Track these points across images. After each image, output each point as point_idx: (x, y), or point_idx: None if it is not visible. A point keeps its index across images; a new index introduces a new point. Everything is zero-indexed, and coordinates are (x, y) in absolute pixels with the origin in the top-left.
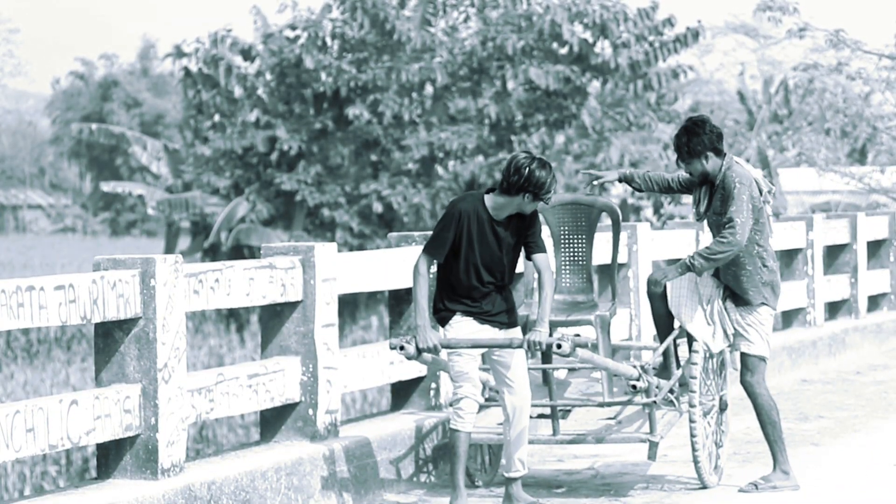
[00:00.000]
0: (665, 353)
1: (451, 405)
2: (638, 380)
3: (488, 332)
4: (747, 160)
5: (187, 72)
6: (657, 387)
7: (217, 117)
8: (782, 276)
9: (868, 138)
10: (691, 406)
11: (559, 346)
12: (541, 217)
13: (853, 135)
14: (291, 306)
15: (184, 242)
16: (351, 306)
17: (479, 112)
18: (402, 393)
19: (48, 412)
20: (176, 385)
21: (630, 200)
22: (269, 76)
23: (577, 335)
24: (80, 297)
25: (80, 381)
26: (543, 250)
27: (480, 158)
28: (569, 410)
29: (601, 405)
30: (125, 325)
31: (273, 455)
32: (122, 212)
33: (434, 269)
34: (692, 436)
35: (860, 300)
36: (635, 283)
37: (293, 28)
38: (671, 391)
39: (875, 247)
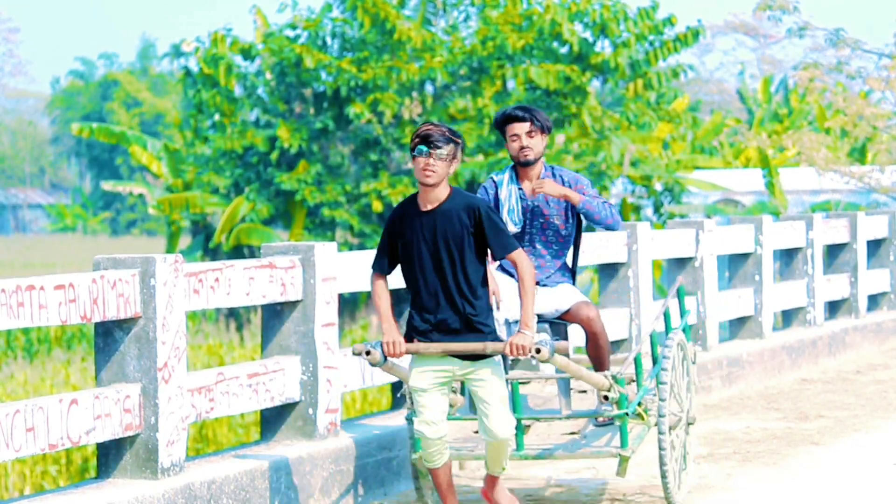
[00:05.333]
0: (634, 364)
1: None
2: (609, 390)
3: (447, 365)
4: (748, 160)
5: (187, 71)
6: (627, 398)
7: (217, 117)
8: (783, 275)
9: (868, 138)
10: (660, 416)
11: (538, 351)
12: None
13: (853, 134)
14: (291, 306)
15: (184, 242)
16: (351, 306)
17: (479, 112)
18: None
19: (48, 412)
20: (176, 384)
21: (630, 199)
22: (269, 76)
23: (557, 338)
24: (80, 296)
25: (80, 380)
26: (512, 248)
27: (480, 158)
28: (528, 425)
29: (569, 417)
30: (125, 325)
31: (273, 455)
32: (122, 211)
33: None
34: (660, 448)
35: (860, 299)
36: (635, 282)
37: (293, 27)
38: (639, 403)
39: (875, 246)
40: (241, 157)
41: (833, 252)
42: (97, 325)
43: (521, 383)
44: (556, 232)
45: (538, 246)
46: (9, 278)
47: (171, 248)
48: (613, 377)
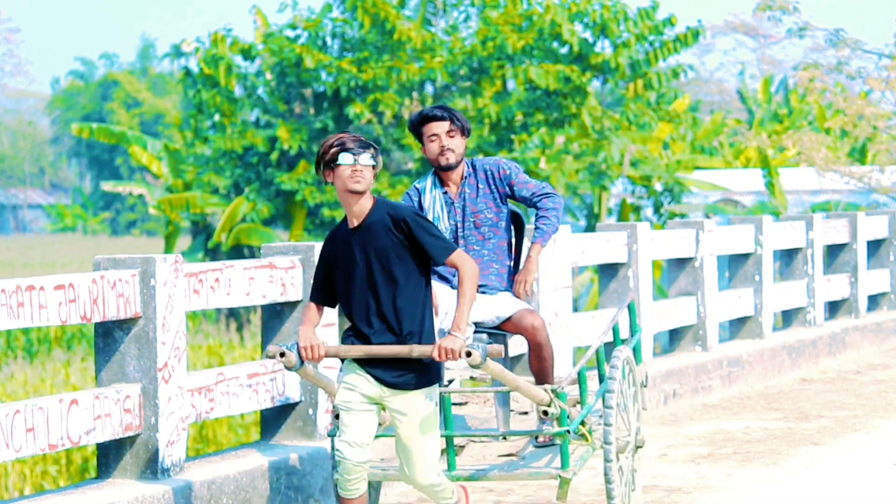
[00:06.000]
0: (578, 380)
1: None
2: (549, 405)
3: (375, 388)
4: (748, 160)
5: (187, 71)
6: (569, 416)
7: (217, 117)
8: (783, 275)
9: (868, 138)
10: (606, 442)
11: (469, 355)
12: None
13: (853, 134)
14: (291, 306)
15: (184, 242)
16: None
17: (479, 112)
18: None
19: (48, 412)
20: (176, 385)
21: (630, 200)
22: (269, 76)
23: (491, 341)
24: (80, 296)
25: (80, 380)
26: (451, 250)
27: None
28: (462, 446)
29: (506, 435)
30: (125, 325)
31: (273, 455)
32: (122, 211)
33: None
34: (606, 478)
35: (860, 300)
36: (635, 283)
37: (293, 28)
38: (583, 423)
39: (875, 246)
40: (241, 158)
41: (833, 252)
42: (97, 325)
43: (456, 404)
44: (492, 224)
45: (475, 247)
46: (9, 278)
47: (168, 249)
48: (554, 391)
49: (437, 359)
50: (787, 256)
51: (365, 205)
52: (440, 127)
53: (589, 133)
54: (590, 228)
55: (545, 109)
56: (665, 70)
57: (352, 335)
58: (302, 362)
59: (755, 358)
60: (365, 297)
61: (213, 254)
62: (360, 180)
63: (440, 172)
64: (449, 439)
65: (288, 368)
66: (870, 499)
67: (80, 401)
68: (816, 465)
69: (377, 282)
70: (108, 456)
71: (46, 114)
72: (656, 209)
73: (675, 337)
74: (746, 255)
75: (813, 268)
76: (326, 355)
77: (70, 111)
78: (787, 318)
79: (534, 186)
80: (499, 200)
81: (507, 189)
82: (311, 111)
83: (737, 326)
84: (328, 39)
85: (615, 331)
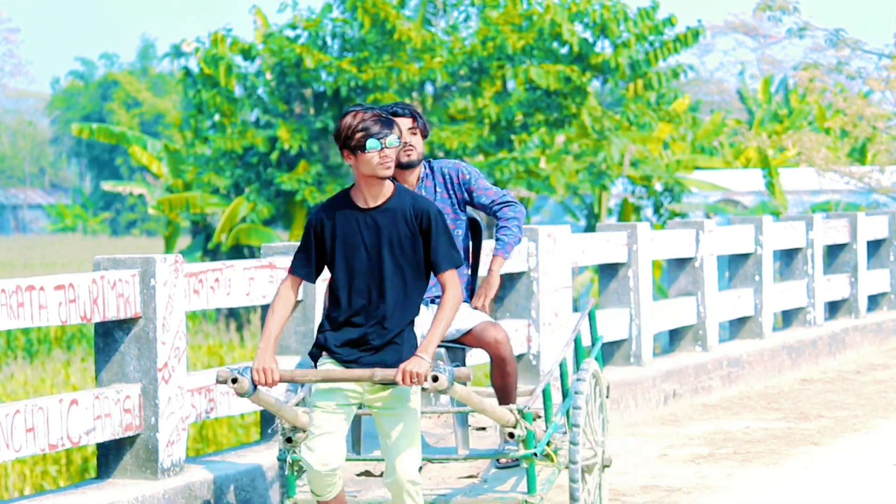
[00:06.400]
0: (543, 398)
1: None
2: (515, 427)
3: (356, 385)
4: (748, 160)
5: (187, 71)
6: (535, 436)
7: (217, 117)
8: (783, 275)
9: (868, 138)
10: (572, 462)
11: (435, 379)
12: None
13: (853, 134)
14: None
15: (184, 242)
16: None
17: (479, 112)
18: None
19: (48, 412)
20: (176, 385)
21: (630, 200)
22: (269, 76)
23: (457, 364)
24: (80, 296)
25: (80, 381)
26: (451, 265)
27: (480, 158)
28: (420, 466)
29: (469, 458)
30: (125, 325)
31: (273, 455)
32: (122, 211)
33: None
34: (572, 499)
35: (860, 300)
36: (635, 282)
37: (293, 28)
38: (548, 443)
39: (875, 246)
40: (241, 158)
41: (833, 252)
42: (97, 325)
43: None
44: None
45: None
46: (9, 278)
47: (168, 249)
48: (520, 411)
49: (401, 384)
50: (787, 256)
51: (387, 188)
52: (403, 123)
53: (589, 133)
54: (590, 228)
55: (545, 109)
56: (665, 70)
57: (334, 323)
58: (255, 388)
59: (755, 358)
60: (367, 286)
61: (213, 254)
62: (389, 166)
63: (396, 172)
64: None
65: (239, 395)
66: (870, 499)
67: (80, 401)
68: (816, 465)
69: (384, 273)
70: (108, 456)
71: (46, 114)
72: (656, 209)
73: (675, 337)
74: (746, 255)
75: (813, 268)
76: (282, 380)
77: (70, 111)
78: (787, 318)
79: (493, 194)
80: (457, 206)
81: (466, 195)
82: (311, 111)
83: (737, 326)
84: (328, 39)
85: (577, 341)
